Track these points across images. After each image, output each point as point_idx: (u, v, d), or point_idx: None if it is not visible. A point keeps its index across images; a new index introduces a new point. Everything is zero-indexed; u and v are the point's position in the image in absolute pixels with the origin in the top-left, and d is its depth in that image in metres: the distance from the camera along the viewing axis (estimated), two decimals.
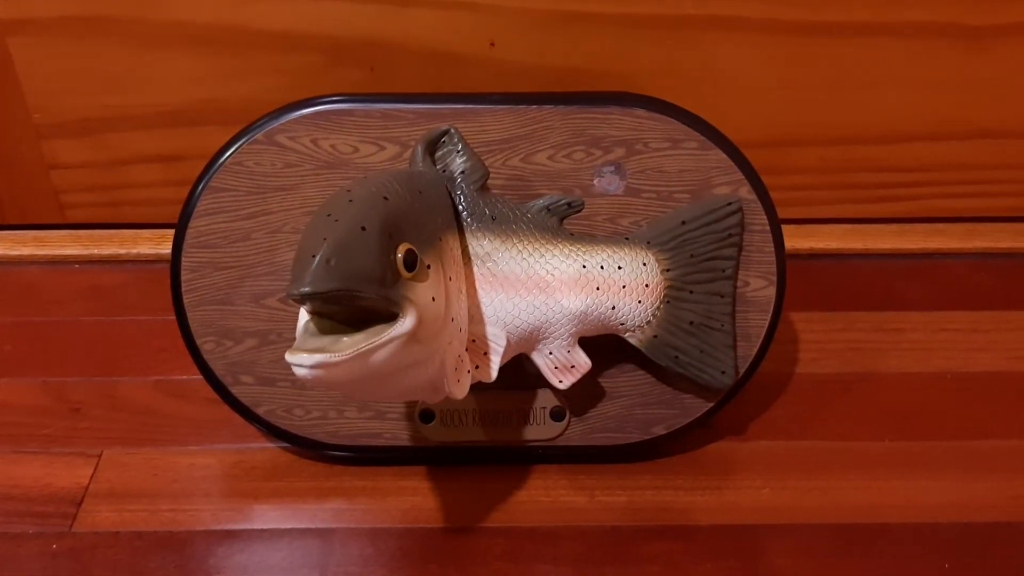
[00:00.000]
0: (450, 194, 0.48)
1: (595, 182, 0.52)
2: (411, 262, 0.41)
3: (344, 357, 0.39)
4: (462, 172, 0.48)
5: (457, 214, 0.48)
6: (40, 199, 0.71)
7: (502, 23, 0.63)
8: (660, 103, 0.52)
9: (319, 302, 0.40)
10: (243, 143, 0.52)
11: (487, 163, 0.51)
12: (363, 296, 0.40)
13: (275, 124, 0.52)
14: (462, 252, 0.47)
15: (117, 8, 0.62)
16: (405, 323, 0.40)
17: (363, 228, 0.40)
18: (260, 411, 0.55)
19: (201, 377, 0.55)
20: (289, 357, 0.39)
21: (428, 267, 0.42)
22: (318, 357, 0.39)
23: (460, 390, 0.45)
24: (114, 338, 0.65)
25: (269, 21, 0.63)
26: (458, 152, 0.49)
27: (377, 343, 0.40)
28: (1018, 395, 0.61)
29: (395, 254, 0.41)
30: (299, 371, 0.39)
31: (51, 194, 0.70)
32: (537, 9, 0.63)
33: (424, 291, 0.42)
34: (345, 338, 0.40)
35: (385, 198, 0.42)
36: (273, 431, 0.56)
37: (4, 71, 0.65)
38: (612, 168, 0.52)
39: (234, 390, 0.55)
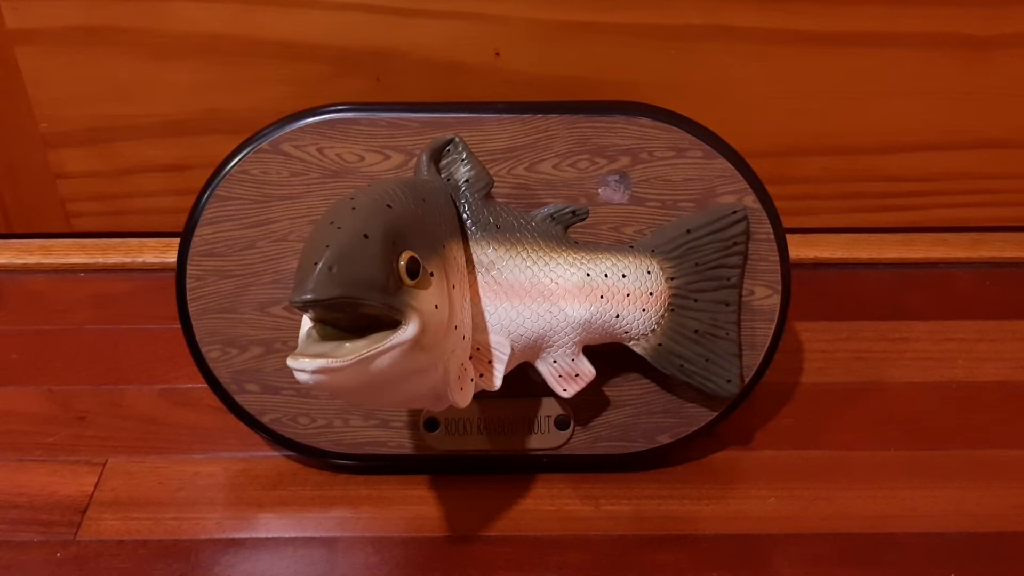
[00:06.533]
0: (454, 202, 0.48)
1: (600, 191, 0.52)
2: (414, 270, 0.41)
3: (346, 362, 0.39)
4: (466, 181, 0.49)
5: (461, 222, 0.48)
6: (46, 208, 0.71)
7: (507, 33, 0.63)
8: (665, 112, 0.52)
9: (321, 309, 0.40)
10: (249, 152, 0.52)
11: (492, 172, 0.51)
12: (366, 303, 0.39)
13: (281, 133, 0.52)
14: (466, 260, 0.48)
15: (124, 18, 0.63)
16: (408, 330, 0.40)
17: (365, 236, 0.40)
18: (265, 419, 0.55)
19: (206, 385, 0.55)
20: (291, 362, 0.39)
21: (431, 275, 0.42)
22: (320, 362, 0.39)
23: (463, 398, 0.45)
24: (119, 346, 0.65)
25: (275, 31, 0.63)
26: (462, 161, 0.49)
27: (379, 349, 0.39)
28: None
29: (398, 262, 0.41)
30: (301, 376, 0.39)
31: (57, 203, 0.70)
32: (542, 19, 0.63)
33: (427, 298, 0.42)
34: (347, 344, 0.40)
35: (388, 206, 0.43)
36: (278, 439, 0.56)
37: (11, 80, 0.65)
38: (617, 177, 0.52)
39: (239, 398, 0.55)
